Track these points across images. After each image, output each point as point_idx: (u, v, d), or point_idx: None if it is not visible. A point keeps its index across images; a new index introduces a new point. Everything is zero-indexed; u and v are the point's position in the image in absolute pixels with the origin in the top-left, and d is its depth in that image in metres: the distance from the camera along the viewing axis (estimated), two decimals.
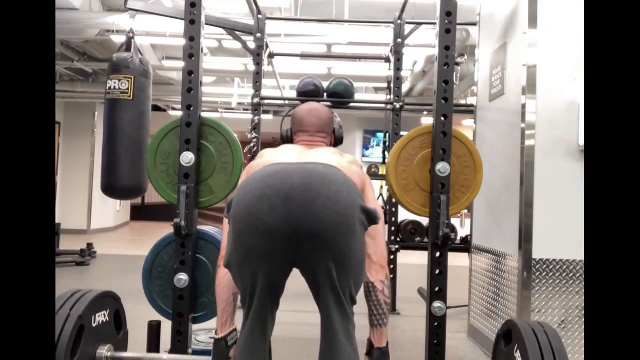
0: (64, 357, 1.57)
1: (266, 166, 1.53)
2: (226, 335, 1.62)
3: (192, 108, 2.16)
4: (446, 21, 2.13)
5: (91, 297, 1.76)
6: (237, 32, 4.11)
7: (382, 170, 4.52)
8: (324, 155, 1.63)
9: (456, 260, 3.51)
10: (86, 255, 6.17)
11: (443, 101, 2.14)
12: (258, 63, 3.97)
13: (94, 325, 1.77)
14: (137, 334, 2.38)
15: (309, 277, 1.47)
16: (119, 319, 1.97)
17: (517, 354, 1.69)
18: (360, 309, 1.58)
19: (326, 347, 1.48)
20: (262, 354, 1.51)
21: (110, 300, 1.91)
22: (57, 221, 7.13)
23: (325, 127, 1.81)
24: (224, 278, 1.61)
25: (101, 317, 1.83)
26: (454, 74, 2.17)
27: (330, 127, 1.84)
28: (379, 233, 1.64)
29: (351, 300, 1.50)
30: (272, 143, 11.55)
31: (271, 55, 4.41)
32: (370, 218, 1.49)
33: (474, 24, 3.70)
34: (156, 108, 9.68)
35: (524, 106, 2.72)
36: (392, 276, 4.19)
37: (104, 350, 1.80)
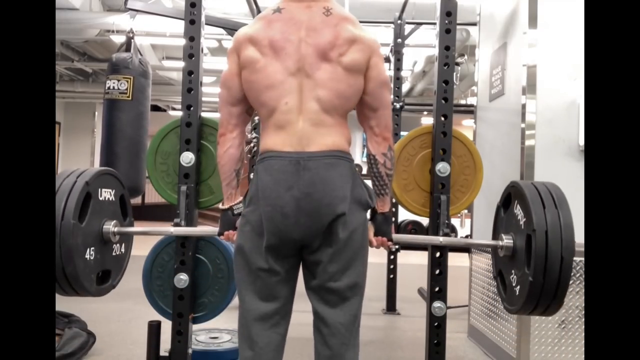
0: (72, 217, 1.56)
1: (270, 160, 1.48)
2: (232, 205, 1.63)
3: (192, 108, 2.16)
4: (446, 21, 2.13)
5: (95, 170, 1.75)
6: None
7: None
8: (324, 76, 1.47)
9: (456, 260, 3.51)
10: None
11: (443, 101, 2.14)
12: None
13: (100, 198, 1.75)
14: (137, 333, 2.38)
15: (309, 269, 1.52)
16: (124, 205, 1.93)
17: (517, 210, 1.65)
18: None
19: (317, 348, 1.51)
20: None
21: (115, 181, 1.87)
22: None
23: None
24: (223, 155, 1.59)
25: (107, 194, 1.80)
26: (454, 74, 2.17)
27: None
28: (383, 104, 1.56)
29: (349, 291, 1.50)
30: None
31: None
32: (365, 205, 1.53)
33: (474, 24, 3.70)
34: (156, 108, 9.68)
35: (524, 106, 2.72)
36: (392, 276, 4.20)
37: (111, 225, 1.77)
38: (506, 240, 1.71)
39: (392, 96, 4.22)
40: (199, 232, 2.08)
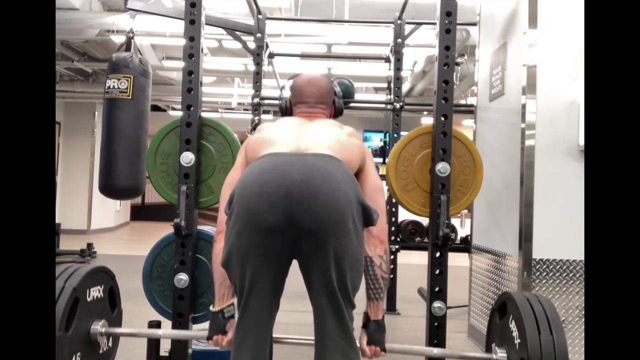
0: (58, 329, 1.54)
1: (265, 157, 1.50)
2: (223, 307, 1.62)
3: (192, 108, 2.16)
4: (446, 21, 2.13)
5: (85, 270, 1.73)
6: (237, 32, 4.11)
7: (382, 170, 4.52)
8: (323, 132, 1.61)
9: (456, 260, 3.51)
10: (86, 255, 6.18)
11: (443, 101, 2.14)
12: (258, 63, 3.97)
13: (88, 299, 1.73)
14: None
15: (305, 270, 1.48)
16: (113, 297, 1.92)
17: (512, 325, 1.68)
18: (358, 310, 1.58)
19: (320, 348, 1.48)
20: (264, 357, 1.51)
21: (104, 276, 1.87)
22: (57, 221, 7.14)
23: (324, 98, 1.78)
24: (220, 253, 1.58)
25: (96, 292, 1.78)
26: (454, 74, 2.16)
27: (330, 97, 1.81)
28: (379, 207, 1.62)
29: (349, 302, 1.48)
30: None
31: (271, 55, 4.41)
32: (368, 216, 1.48)
33: (474, 24, 3.70)
34: (156, 108, 9.69)
35: (524, 106, 2.72)
36: (392, 276, 4.20)
37: (98, 326, 1.75)
38: (500, 355, 1.71)
39: (391, 96, 4.22)
40: (187, 335, 2.02)
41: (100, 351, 1.81)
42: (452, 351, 2.01)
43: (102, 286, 1.84)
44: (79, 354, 1.65)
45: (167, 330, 2.06)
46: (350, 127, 1.74)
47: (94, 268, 1.79)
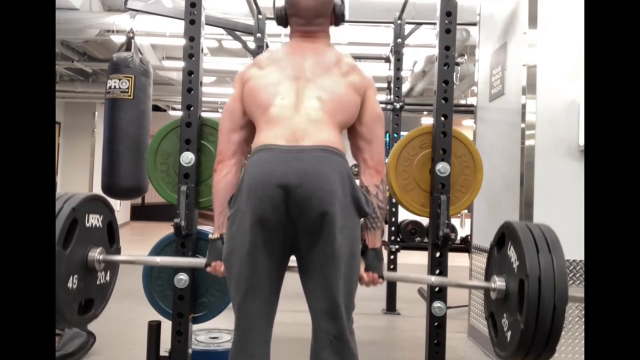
0: (56, 245, 1.52)
1: (262, 153, 1.49)
2: (223, 234, 1.61)
3: (192, 108, 2.16)
4: (446, 21, 2.14)
5: (84, 195, 1.70)
6: (237, 32, 4.10)
7: None
8: (320, 91, 1.55)
9: (456, 260, 3.51)
10: None
11: (443, 101, 2.14)
12: None
13: (87, 225, 1.70)
14: (137, 333, 2.39)
15: (301, 267, 1.52)
16: (112, 231, 1.87)
17: (511, 252, 1.65)
18: (358, 309, 1.58)
19: (315, 346, 1.51)
20: (265, 357, 1.52)
21: (104, 207, 1.82)
22: None
23: (323, 9, 1.65)
24: (220, 181, 1.60)
25: (94, 221, 1.75)
26: (454, 74, 2.17)
27: (329, 6, 1.67)
28: (377, 137, 1.60)
29: (348, 300, 1.49)
30: None
31: None
32: (359, 208, 1.50)
33: (474, 24, 3.70)
34: (156, 108, 9.68)
35: (524, 106, 2.72)
36: None
37: (96, 253, 1.71)
38: (499, 283, 1.68)
39: (391, 96, 4.22)
40: (186, 262, 2.04)
41: (98, 282, 1.77)
42: (449, 279, 2.00)
43: (102, 216, 1.80)
44: (76, 276, 1.64)
45: (165, 258, 2.08)
46: (348, 57, 1.65)
47: (92, 195, 1.76)
